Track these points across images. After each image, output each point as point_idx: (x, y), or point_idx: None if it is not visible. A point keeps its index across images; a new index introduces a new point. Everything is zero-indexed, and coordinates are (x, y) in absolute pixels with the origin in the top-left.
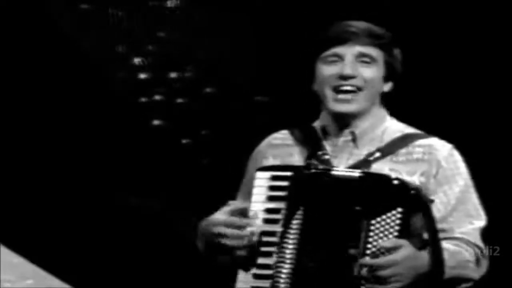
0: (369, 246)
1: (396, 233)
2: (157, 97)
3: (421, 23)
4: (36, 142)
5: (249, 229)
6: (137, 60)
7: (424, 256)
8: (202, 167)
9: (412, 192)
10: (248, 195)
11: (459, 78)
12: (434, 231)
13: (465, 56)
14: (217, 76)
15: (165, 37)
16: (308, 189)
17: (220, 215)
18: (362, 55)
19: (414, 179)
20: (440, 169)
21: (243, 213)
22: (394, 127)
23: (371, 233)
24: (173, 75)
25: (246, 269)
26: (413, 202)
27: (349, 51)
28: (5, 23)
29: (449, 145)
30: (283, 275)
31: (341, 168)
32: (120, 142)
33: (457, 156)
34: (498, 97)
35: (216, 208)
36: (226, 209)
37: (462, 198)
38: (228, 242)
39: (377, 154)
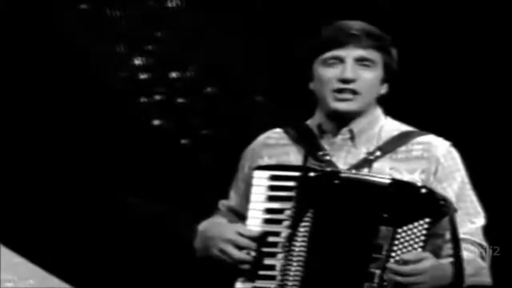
0: (393, 254)
1: (421, 243)
2: (157, 97)
3: (415, 21)
4: (35, 142)
5: (253, 254)
6: (137, 60)
7: (447, 266)
8: (202, 167)
9: (441, 202)
10: (243, 194)
11: (453, 77)
12: (457, 242)
13: (457, 54)
14: (217, 76)
15: (165, 37)
16: (319, 191)
17: (231, 232)
18: (363, 58)
19: (415, 177)
20: (439, 166)
21: (255, 238)
22: (390, 126)
23: (396, 242)
24: (173, 75)
25: (245, 280)
26: (441, 213)
27: (350, 54)
28: (4, 23)
29: (447, 142)
30: (291, 278)
31: (356, 171)
32: (120, 142)
33: (455, 153)
34: (493, 96)
35: (215, 209)
36: (239, 226)
37: (461, 196)
38: (230, 261)
39: (378, 153)
